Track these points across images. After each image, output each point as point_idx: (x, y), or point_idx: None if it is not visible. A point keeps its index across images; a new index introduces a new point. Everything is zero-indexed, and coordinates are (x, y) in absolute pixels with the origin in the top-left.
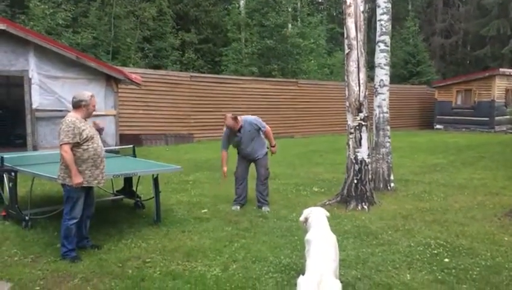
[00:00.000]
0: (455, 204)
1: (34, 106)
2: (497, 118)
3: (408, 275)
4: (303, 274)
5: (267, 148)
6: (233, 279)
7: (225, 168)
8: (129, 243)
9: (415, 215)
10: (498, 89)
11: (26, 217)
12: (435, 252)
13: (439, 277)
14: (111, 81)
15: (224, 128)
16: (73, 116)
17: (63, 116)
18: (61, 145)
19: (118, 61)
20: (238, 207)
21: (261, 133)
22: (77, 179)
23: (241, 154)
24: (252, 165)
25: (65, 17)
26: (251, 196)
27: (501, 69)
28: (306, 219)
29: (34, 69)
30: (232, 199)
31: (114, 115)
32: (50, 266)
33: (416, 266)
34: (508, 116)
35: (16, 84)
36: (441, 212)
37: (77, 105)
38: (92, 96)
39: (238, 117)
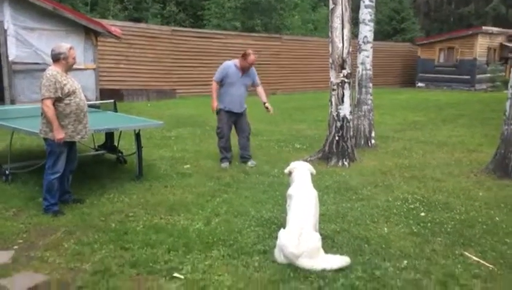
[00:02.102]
0: (433, 161)
1: (10, 59)
2: (478, 76)
3: (385, 229)
4: (284, 228)
5: (265, 107)
6: (215, 232)
7: (216, 103)
8: (112, 198)
9: (394, 172)
10: (480, 47)
11: (7, 172)
12: (412, 206)
13: (415, 230)
14: (90, 34)
15: (228, 62)
16: (53, 70)
17: (42, 70)
18: (42, 100)
19: (97, 13)
20: (228, 164)
21: (254, 84)
22: (59, 135)
23: (228, 100)
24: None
25: None
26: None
27: (484, 28)
28: (290, 172)
29: (10, 20)
30: (214, 154)
31: (94, 69)
32: (32, 219)
33: (394, 219)
34: (489, 75)
35: None
36: (420, 169)
37: (56, 58)
38: (70, 48)
39: None
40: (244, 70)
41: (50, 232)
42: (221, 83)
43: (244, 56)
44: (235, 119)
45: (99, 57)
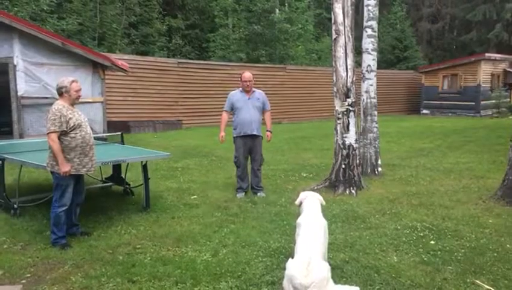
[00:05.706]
0: (441, 188)
1: (19, 93)
2: (482, 102)
3: (395, 257)
4: (292, 257)
5: (267, 133)
6: (223, 264)
7: (222, 133)
8: (119, 230)
9: (402, 199)
10: (484, 73)
11: (15, 205)
12: (421, 234)
13: (425, 259)
14: (98, 67)
15: (232, 91)
16: (60, 104)
17: (50, 104)
18: (48, 133)
19: (104, 47)
20: (243, 194)
21: (264, 109)
22: (64, 168)
23: (240, 125)
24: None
25: (49, 3)
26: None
27: (487, 54)
28: (300, 203)
29: (19, 56)
30: (221, 185)
31: (101, 102)
32: (40, 253)
33: (403, 248)
34: (493, 101)
35: (1, 72)
36: (427, 196)
37: (59, 92)
38: (72, 81)
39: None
40: (248, 91)
41: (57, 265)
42: (232, 111)
43: (240, 78)
44: (250, 145)
45: (106, 90)
